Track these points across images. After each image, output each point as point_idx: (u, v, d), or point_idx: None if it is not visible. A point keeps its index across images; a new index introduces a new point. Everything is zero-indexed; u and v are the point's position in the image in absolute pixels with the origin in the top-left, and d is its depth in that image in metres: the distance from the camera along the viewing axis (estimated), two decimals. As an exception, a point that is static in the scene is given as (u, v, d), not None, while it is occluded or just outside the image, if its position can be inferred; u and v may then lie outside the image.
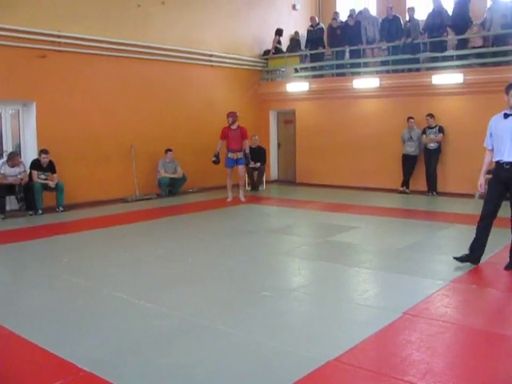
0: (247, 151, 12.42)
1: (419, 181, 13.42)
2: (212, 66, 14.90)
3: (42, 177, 10.82)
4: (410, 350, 4.20)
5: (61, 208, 11.06)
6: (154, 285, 6.08)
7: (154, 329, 4.72)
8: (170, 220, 10.35)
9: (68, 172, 11.48)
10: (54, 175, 10.95)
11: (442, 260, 7.08)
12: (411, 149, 13.23)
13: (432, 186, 13.05)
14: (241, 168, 12.42)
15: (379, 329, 4.59)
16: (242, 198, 12.40)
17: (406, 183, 13.46)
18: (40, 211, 10.73)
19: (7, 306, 5.50)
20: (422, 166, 13.27)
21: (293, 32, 16.82)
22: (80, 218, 10.57)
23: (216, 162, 12.30)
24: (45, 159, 10.80)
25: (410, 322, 4.76)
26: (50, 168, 10.93)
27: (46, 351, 4.26)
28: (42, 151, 10.82)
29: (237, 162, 12.29)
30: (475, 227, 6.59)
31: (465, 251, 6.56)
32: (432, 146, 12.91)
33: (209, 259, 7.24)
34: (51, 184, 10.86)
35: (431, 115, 12.85)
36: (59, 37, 11.42)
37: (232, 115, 12.20)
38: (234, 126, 12.20)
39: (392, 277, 6.29)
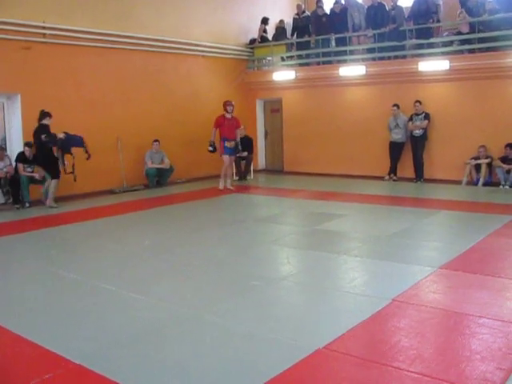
0: (238, 140, 12.48)
1: (406, 168, 13.46)
2: (198, 55, 14.80)
3: (28, 170, 10.72)
4: (399, 336, 4.23)
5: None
6: (142, 276, 6.07)
7: (143, 321, 4.72)
8: (157, 211, 10.31)
9: (54, 164, 11.37)
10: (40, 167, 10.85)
11: (429, 246, 7.13)
12: (398, 136, 13.26)
13: (419, 173, 13.10)
14: (232, 158, 12.53)
15: (368, 316, 4.61)
16: (230, 186, 12.51)
17: (393, 170, 13.51)
18: (27, 204, 10.66)
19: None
20: (409, 153, 13.30)
21: (278, 20, 16.73)
22: (67, 210, 10.49)
23: (212, 151, 12.34)
24: (29, 152, 10.70)
25: (398, 309, 4.79)
26: (36, 161, 10.84)
27: (35, 344, 4.24)
28: (26, 144, 10.72)
29: (231, 151, 12.35)
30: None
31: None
32: (417, 132, 12.95)
33: (197, 249, 7.23)
34: (37, 177, 10.77)
35: (419, 102, 12.87)
36: (44, 28, 11.27)
37: (231, 104, 12.24)
38: (229, 116, 12.20)
39: (380, 264, 6.32)
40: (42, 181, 10.87)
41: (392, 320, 4.57)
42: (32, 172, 10.75)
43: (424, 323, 4.47)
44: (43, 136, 10.36)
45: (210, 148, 12.27)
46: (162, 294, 5.43)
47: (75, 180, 10.91)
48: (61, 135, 10.62)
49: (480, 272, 5.81)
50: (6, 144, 11.32)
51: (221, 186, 12.44)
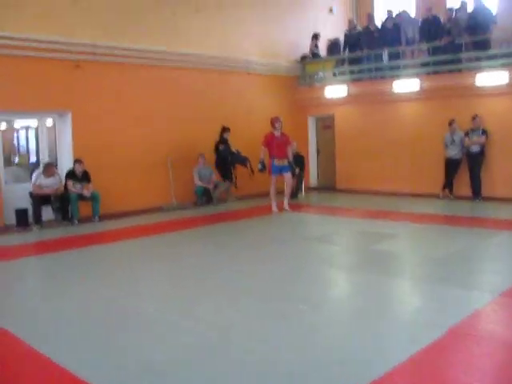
0: (291, 159, 11.93)
1: (463, 186, 12.88)
2: (249, 72, 14.70)
3: (78, 186, 10.77)
4: (456, 372, 3.84)
5: (97, 218, 11.00)
6: (185, 297, 5.87)
7: (182, 345, 4.48)
8: (205, 229, 10.16)
9: (104, 181, 11.40)
10: (89, 185, 10.89)
11: (489, 270, 6.68)
12: (453, 152, 12.70)
13: (476, 191, 12.50)
14: (288, 176, 11.83)
15: (420, 347, 4.21)
16: (287, 207, 11.87)
17: (448, 186, 12.96)
18: (76, 221, 10.70)
19: (31, 318, 5.34)
20: (465, 170, 12.74)
21: (330, 36, 16.49)
22: (115, 227, 10.48)
23: (262, 170, 11.88)
24: (79, 169, 10.76)
25: (455, 340, 4.38)
26: (85, 177, 10.88)
27: (63, 369, 4.04)
28: (76, 161, 10.80)
29: (281, 169, 11.74)
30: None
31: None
32: (474, 149, 12.39)
33: (244, 268, 6.99)
34: (86, 193, 10.80)
35: (476, 117, 12.33)
36: (94, 46, 11.39)
37: (279, 120, 11.70)
38: (277, 133, 11.70)
39: (435, 289, 5.90)
40: (91, 197, 10.89)
41: (448, 353, 4.17)
42: (81, 189, 10.79)
43: (484, 358, 4.06)
44: (221, 146, 13.06)
45: (260, 166, 11.82)
46: (204, 315, 5.19)
47: (236, 187, 13.65)
48: (233, 150, 13.22)
49: (546, 300, 5.34)
50: (56, 161, 11.45)
51: (273, 208, 11.77)
